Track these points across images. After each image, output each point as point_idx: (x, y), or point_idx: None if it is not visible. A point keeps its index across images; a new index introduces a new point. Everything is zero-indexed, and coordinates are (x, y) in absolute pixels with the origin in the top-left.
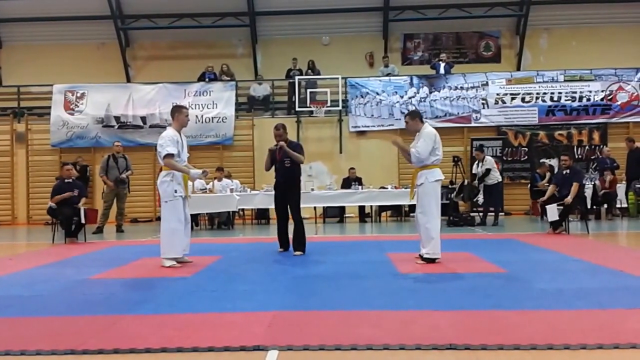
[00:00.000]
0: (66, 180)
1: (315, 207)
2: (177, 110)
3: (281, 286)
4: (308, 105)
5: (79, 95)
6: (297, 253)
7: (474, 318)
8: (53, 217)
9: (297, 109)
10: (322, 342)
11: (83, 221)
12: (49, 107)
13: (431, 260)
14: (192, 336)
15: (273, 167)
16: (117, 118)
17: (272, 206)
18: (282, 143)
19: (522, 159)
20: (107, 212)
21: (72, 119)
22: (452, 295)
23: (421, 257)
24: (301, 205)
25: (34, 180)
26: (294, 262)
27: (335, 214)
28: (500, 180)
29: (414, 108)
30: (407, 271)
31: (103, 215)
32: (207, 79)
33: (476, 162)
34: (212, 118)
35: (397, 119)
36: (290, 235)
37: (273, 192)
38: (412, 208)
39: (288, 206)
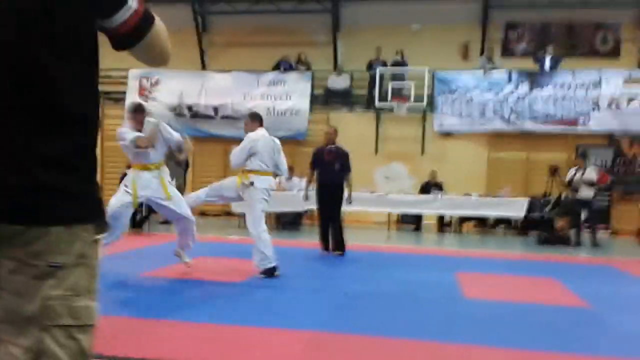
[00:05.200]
0: None
1: (389, 213)
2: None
3: (329, 302)
4: (389, 100)
5: (153, 81)
6: (338, 253)
7: None
8: None
9: (377, 104)
10: None
11: (144, 213)
12: (124, 93)
13: (269, 271)
14: (221, 352)
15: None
16: (189, 107)
17: None
18: None
19: (637, 172)
20: None
21: (145, 106)
22: (517, 330)
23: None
24: (375, 210)
25: (108, 166)
26: (350, 275)
27: (412, 221)
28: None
29: (510, 107)
30: (472, 296)
31: None
32: (282, 68)
33: (576, 167)
34: (285, 111)
35: (489, 119)
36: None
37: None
38: (499, 220)
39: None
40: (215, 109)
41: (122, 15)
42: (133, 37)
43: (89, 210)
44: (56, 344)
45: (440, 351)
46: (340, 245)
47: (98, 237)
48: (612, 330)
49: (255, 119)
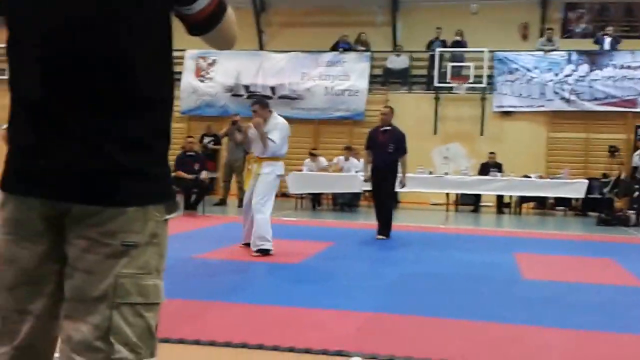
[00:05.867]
0: (188, 153)
1: (447, 194)
2: None
3: (385, 283)
4: (448, 80)
5: (210, 62)
6: (381, 237)
7: (592, 340)
8: (176, 185)
9: (436, 84)
10: (409, 354)
11: (195, 190)
12: (180, 73)
13: (267, 252)
14: (277, 333)
15: None
16: (246, 87)
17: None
18: None
19: None
20: (225, 185)
21: (202, 86)
22: (575, 310)
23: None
24: (433, 190)
25: None
26: (406, 256)
27: (470, 202)
28: None
29: (570, 87)
30: (531, 277)
31: (222, 188)
32: (340, 49)
33: (638, 151)
34: (344, 91)
35: (548, 100)
36: None
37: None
38: (559, 201)
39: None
40: (273, 89)
41: (202, 2)
42: (209, 23)
43: (162, 191)
44: (124, 322)
45: (498, 332)
46: (384, 230)
47: (168, 217)
48: None
49: (269, 106)
